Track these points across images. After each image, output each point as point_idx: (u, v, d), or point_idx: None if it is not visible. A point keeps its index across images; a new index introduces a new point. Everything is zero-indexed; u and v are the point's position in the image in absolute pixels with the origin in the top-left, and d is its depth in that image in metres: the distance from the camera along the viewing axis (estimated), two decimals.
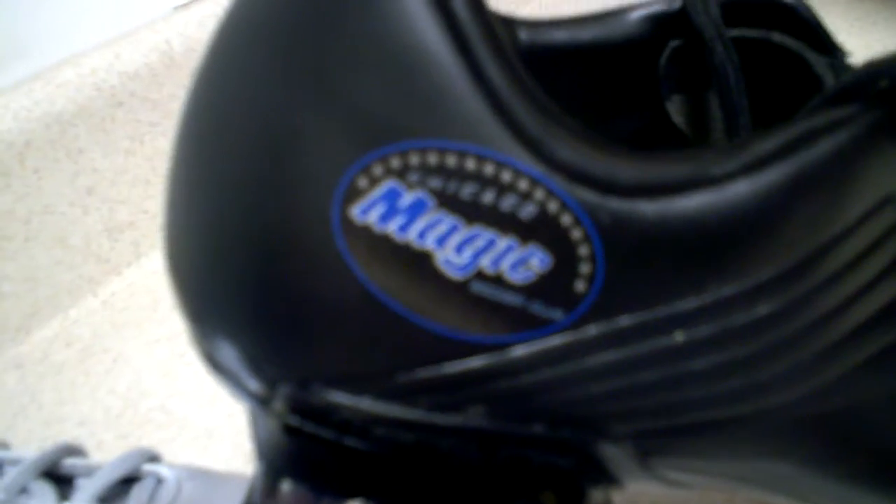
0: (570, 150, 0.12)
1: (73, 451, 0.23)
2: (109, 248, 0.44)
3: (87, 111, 0.42)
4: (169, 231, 0.15)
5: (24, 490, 0.21)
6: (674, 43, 0.19)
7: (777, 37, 0.18)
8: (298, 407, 0.14)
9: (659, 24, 0.19)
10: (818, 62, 0.17)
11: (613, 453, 0.15)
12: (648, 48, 0.19)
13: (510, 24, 0.18)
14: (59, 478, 0.22)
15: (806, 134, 0.13)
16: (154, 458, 0.24)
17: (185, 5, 0.49)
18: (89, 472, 0.22)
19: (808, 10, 0.18)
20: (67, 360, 0.38)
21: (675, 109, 0.20)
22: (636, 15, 0.19)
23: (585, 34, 0.19)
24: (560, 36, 0.19)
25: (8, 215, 0.39)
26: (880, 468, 0.17)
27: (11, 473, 0.21)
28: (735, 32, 0.18)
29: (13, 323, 0.39)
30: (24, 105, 0.41)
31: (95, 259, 0.44)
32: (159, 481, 0.23)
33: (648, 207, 0.13)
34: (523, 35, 0.18)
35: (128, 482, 0.23)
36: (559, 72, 0.19)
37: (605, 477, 0.15)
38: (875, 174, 0.13)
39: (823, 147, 0.13)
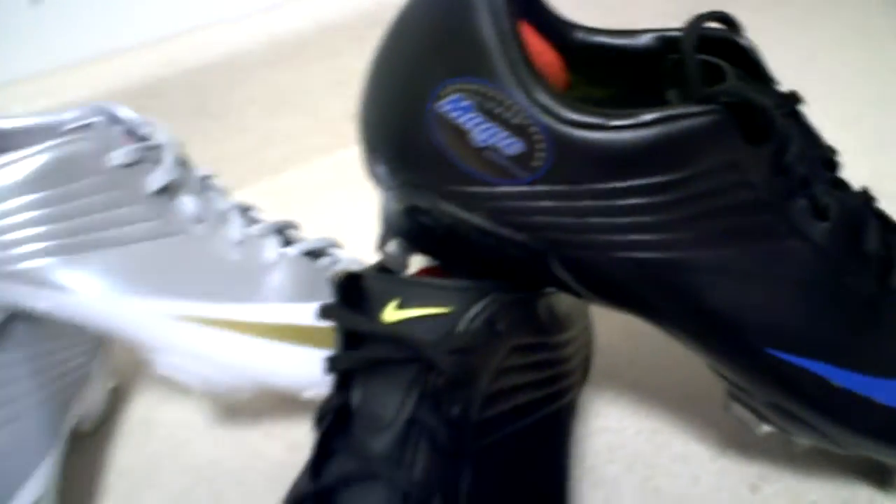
0: (543, 95, 0.27)
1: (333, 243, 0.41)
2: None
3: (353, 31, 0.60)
4: (360, 107, 0.31)
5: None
6: (673, 56, 0.32)
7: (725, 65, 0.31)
8: (408, 199, 0.30)
9: (665, 42, 0.32)
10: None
11: (552, 262, 0.30)
12: (657, 56, 0.33)
13: (567, 24, 0.32)
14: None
15: (674, 115, 0.27)
16: (338, 245, 0.41)
17: None
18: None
19: (754, 50, 0.31)
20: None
21: (672, 97, 0.34)
22: (652, 35, 0.32)
23: (618, 41, 0.33)
24: (604, 40, 0.33)
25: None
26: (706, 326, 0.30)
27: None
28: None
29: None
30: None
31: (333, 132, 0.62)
32: (337, 261, 0.41)
33: (577, 132, 0.27)
34: (579, 35, 0.33)
35: (316, 255, 0.40)
36: (600, 64, 0.33)
37: (549, 275, 0.30)
38: (711, 146, 0.27)
39: (681, 124, 0.27)
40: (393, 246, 0.32)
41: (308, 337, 0.37)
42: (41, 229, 0.34)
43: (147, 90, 0.55)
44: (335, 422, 0.27)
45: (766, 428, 0.33)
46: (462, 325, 0.28)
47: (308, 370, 0.37)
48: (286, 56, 0.61)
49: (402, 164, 0.30)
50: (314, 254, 0.40)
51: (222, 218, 0.38)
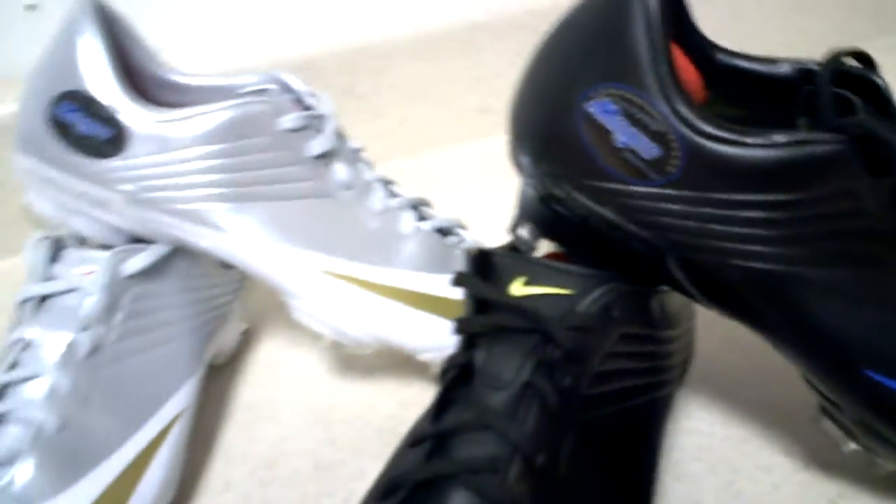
0: (685, 107, 0.30)
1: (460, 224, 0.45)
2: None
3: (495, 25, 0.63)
4: (514, 99, 0.35)
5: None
6: (808, 87, 0.35)
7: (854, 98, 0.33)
8: (546, 188, 0.34)
9: (802, 73, 0.35)
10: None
11: (671, 262, 0.33)
12: (793, 85, 0.35)
13: (711, 45, 0.35)
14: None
15: (805, 139, 0.29)
16: (463, 226, 0.45)
17: None
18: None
19: (886, 89, 0.33)
20: None
21: (801, 124, 0.36)
22: (791, 65, 0.35)
23: (758, 67, 0.35)
24: (744, 65, 0.36)
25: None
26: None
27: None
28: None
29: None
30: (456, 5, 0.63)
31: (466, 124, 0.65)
32: (462, 240, 0.44)
33: (711, 145, 0.30)
34: (722, 56, 0.36)
35: (444, 233, 0.44)
36: (738, 85, 0.36)
37: (668, 277, 0.33)
38: (835, 173, 0.29)
39: (810, 149, 0.29)
40: (525, 230, 0.36)
41: (433, 305, 0.41)
42: (215, 177, 0.38)
43: (305, 65, 0.59)
44: (458, 376, 0.31)
45: (852, 446, 0.34)
46: (582, 307, 0.31)
47: (429, 334, 0.41)
48: (431, 48, 0.65)
49: (545, 155, 0.33)
50: (443, 231, 0.44)
51: (368, 188, 0.42)
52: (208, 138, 0.38)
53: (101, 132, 0.38)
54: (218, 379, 0.47)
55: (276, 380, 0.47)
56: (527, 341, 0.31)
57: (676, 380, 0.39)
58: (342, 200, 0.41)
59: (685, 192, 0.31)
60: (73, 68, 0.38)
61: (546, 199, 0.34)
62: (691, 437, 0.40)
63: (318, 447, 0.42)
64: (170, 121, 0.38)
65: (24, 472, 0.33)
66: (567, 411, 0.30)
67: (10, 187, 0.58)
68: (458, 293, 0.41)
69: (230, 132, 0.38)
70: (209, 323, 0.44)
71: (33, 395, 0.35)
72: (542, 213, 0.35)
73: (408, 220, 0.42)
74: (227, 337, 0.47)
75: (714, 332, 0.44)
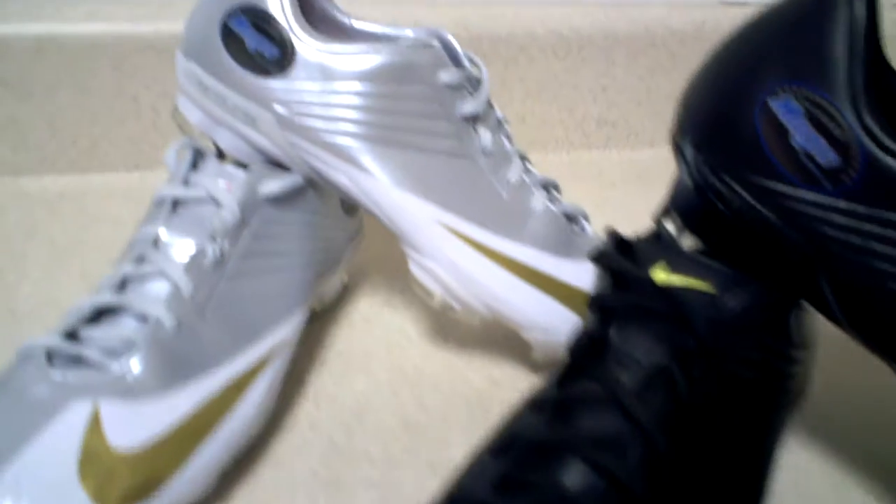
0: (873, 121, 0.29)
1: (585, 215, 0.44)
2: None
3: (631, 39, 0.63)
4: (688, 87, 0.34)
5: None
6: None
7: None
8: (705, 179, 0.33)
9: None
10: None
11: (822, 276, 0.32)
12: None
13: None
14: None
15: None
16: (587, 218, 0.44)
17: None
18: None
19: None
20: None
21: None
22: None
23: None
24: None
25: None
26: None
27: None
28: None
29: None
30: (598, 17, 0.63)
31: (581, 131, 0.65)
32: (585, 230, 0.44)
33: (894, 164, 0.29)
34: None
35: (570, 220, 0.43)
36: None
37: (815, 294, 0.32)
38: None
39: None
40: (671, 220, 0.35)
41: (551, 287, 0.41)
42: (367, 116, 0.39)
43: None
44: (589, 349, 0.30)
45: None
46: (722, 303, 0.31)
47: (541, 314, 0.40)
48: (566, 50, 0.65)
49: (714, 144, 0.33)
50: (569, 217, 0.43)
51: (506, 158, 0.42)
52: (369, 76, 0.38)
53: (270, 50, 0.38)
54: (315, 324, 0.47)
55: (371, 334, 0.47)
56: (664, 326, 0.30)
57: (791, 406, 0.37)
58: (480, 165, 0.41)
59: (856, 206, 0.30)
60: None
61: (702, 191, 0.33)
62: (787, 474, 0.39)
63: (405, 407, 0.42)
64: (337, 53, 0.38)
65: (135, 364, 0.33)
66: (695, 400, 0.30)
67: (144, 102, 0.59)
68: (578, 281, 0.41)
69: (391, 75, 0.38)
70: (322, 263, 0.44)
71: (155, 292, 0.36)
72: (694, 205, 0.34)
73: (539, 199, 0.42)
74: (332, 284, 0.47)
75: (834, 371, 0.43)
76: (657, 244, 0.33)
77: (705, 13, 0.68)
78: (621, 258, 0.32)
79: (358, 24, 0.43)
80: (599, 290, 0.32)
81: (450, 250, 0.40)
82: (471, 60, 0.42)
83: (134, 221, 0.54)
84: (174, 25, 0.57)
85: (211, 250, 0.37)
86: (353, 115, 0.39)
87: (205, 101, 0.40)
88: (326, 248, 0.44)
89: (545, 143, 0.69)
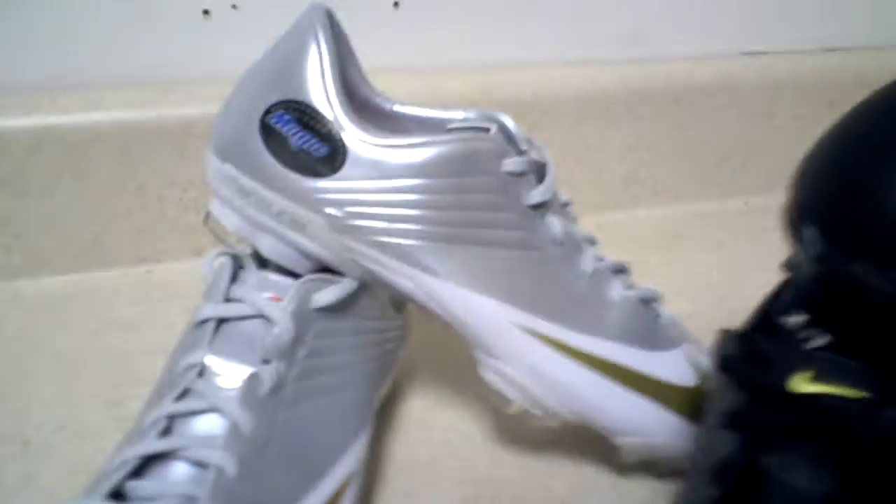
0: None
1: (658, 296, 0.41)
2: None
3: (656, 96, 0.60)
4: (806, 161, 0.31)
5: None
6: None
7: None
8: (832, 266, 0.29)
9: None
10: None
11: None
12: None
13: None
14: None
15: None
16: (662, 300, 0.40)
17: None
18: None
19: None
20: None
21: None
22: None
23: None
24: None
25: None
26: None
27: None
28: None
29: None
30: (623, 74, 0.60)
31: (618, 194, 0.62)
32: (660, 314, 0.40)
33: None
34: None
35: (647, 304, 0.39)
36: None
37: None
38: None
39: None
40: (796, 315, 0.31)
41: (639, 384, 0.37)
42: (428, 213, 0.35)
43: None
44: (743, 480, 0.26)
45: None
46: (886, 413, 0.27)
47: (632, 415, 0.36)
48: (592, 109, 0.62)
49: (846, 230, 0.29)
50: (644, 302, 0.40)
51: (578, 246, 0.38)
52: (428, 170, 0.34)
53: (318, 148, 0.34)
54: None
55: (431, 439, 0.42)
56: (824, 446, 0.26)
57: None
58: (551, 257, 0.37)
59: None
60: (299, 77, 0.34)
61: (831, 280, 0.30)
62: None
63: None
64: (392, 146, 0.34)
65: None
66: None
67: (151, 191, 0.54)
68: (668, 374, 0.37)
69: (452, 167, 0.35)
70: (380, 372, 0.40)
71: (208, 431, 0.31)
72: (819, 295, 0.30)
73: (616, 286, 0.38)
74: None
75: None
76: (787, 345, 0.29)
77: (728, 64, 0.66)
78: (753, 367, 0.28)
79: (401, 109, 0.40)
80: (730, 404, 0.28)
81: (528, 353, 0.36)
82: (529, 143, 0.38)
83: (145, 322, 0.49)
84: (179, 110, 0.53)
85: (266, 375, 0.32)
86: (413, 212, 0.35)
87: (245, 206, 0.36)
88: (382, 353, 0.40)
89: (584, 206, 0.65)
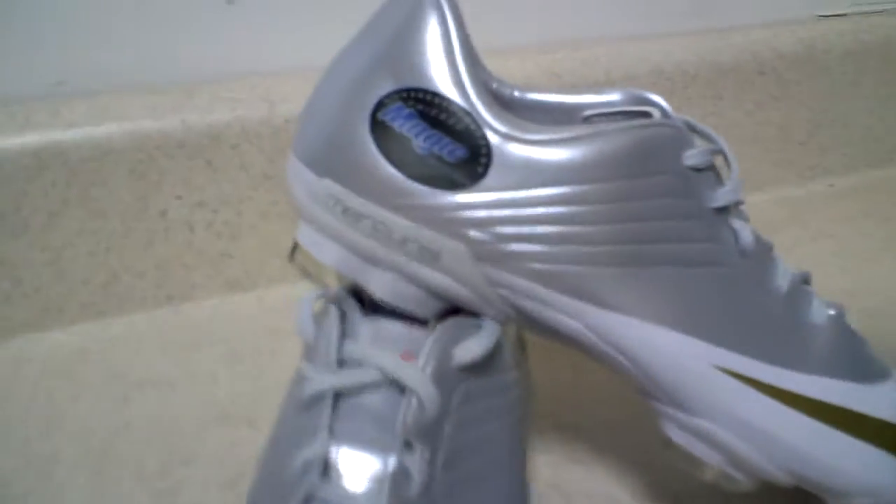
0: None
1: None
2: None
3: (738, 69, 0.53)
4: None
5: None
6: None
7: None
8: None
9: None
10: None
11: None
12: None
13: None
14: None
15: None
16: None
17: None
18: None
19: None
20: None
21: None
22: None
23: None
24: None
25: None
26: None
27: None
28: None
29: None
30: (702, 48, 0.52)
31: None
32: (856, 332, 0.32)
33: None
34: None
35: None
36: None
37: None
38: None
39: None
40: None
41: (868, 429, 0.28)
42: (598, 227, 0.26)
43: None
44: None
45: None
46: None
47: (865, 471, 0.28)
48: (666, 89, 0.53)
49: None
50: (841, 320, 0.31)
51: (768, 258, 0.30)
52: (601, 171, 0.26)
53: (453, 150, 0.25)
54: None
55: None
56: None
57: None
58: (741, 273, 0.29)
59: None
60: (419, 58, 0.26)
61: None
62: None
63: None
64: (550, 142, 0.25)
65: None
66: None
67: (175, 217, 0.45)
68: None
69: (629, 165, 0.26)
70: (522, 440, 0.31)
71: None
72: None
73: (819, 307, 0.30)
74: None
75: None
76: None
77: (809, 30, 0.58)
78: None
79: (525, 95, 0.31)
80: None
81: (734, 402, 0.28)
82: (691, 128, 0.30)
83: (181, 377, 0.40)
84: (207, 116, 0.44)
85: (415, 467, 0.23)
86: (583, 228, 0.26)
87: (352, 234, 0.27)
88: (523, 415, 0.31)
89: None
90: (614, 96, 0.31)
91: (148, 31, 0.44)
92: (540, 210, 0.26)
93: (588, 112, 0.31)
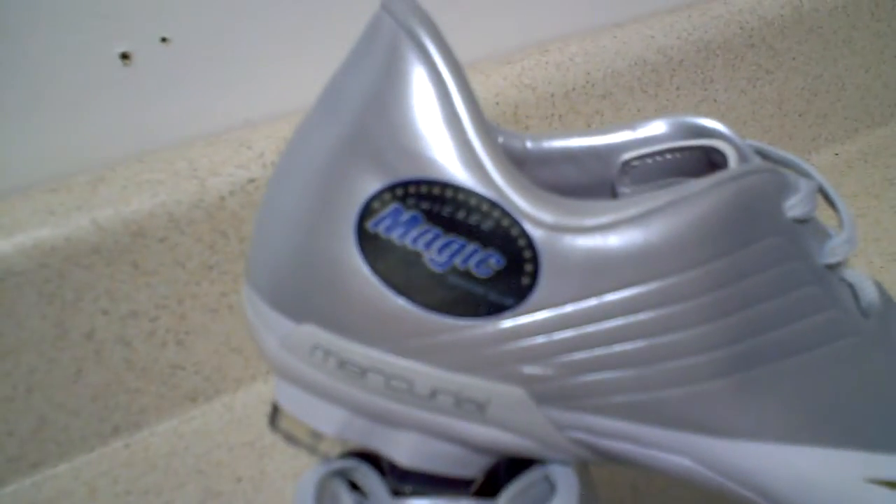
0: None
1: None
2: None
3: (726, 45, 0.46)
4: None
5: None
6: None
7: None
8: None
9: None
10: None
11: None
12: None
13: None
14: None
15: None
16: None
17: None
18: None
19: None
20: None
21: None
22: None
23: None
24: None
25: None
26: None
27: None
28: None
29: None
30: (685, 28, 0.45)
31: None
32: None
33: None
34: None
35: None
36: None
37: None
38: None
39: None
40: None
41: None
42: (699, 329, 0.18)
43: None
44: None
45: None
46: None
47: None
48: (651, 83, 0.46)
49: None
50: None
51: (891, 307, 0.22)
52: (691, 252, 0.18)
53: (483, 259, 0.17)
54: None
55: None
56: None
57: None
58: (868, 340, 0.21)
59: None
60: (411, 131, 0.17)
61: None
62: None
63: None
64: (617, 224, 0.18)
65: None
66: None
67: (104, 335, 0.36)
68: None
69: (725, 236, 0.19)
70: None
71: None
72: None
73: None
74: None
75: None
76: None
77: None
78: None
79: (541, 144, 0.23)
80: None
81: None
82: (764, 157, 0.22)
83: None
84: (123, 209, 0.35)
85: None
86: (677, 336, 0.18)
87: (356, 394, 0.18)
88: None
89: None
90: (657, 129, 0.23)
91: (24, 114, 0.35)
92: (617, 322, 0.18)
93: (627, 156, 0.23)
